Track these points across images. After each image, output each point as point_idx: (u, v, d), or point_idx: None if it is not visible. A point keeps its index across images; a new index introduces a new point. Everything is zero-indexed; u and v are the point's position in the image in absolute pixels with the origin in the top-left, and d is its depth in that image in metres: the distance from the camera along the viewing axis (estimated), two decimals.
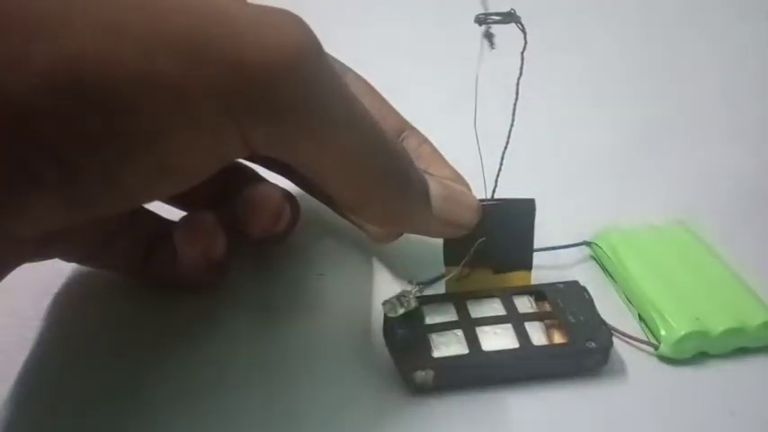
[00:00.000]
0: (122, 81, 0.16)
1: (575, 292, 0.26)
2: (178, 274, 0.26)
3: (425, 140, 0.29)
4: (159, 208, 0.28)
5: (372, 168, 0.21)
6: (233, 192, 0.26)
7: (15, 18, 0.15)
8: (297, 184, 0.30)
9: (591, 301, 0.26)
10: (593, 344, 0.24)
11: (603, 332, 0.25)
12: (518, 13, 0.24)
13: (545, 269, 0.29)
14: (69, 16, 0.16)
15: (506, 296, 0.26)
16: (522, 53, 0.25)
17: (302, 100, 0.18)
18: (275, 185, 0.27)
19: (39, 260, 0.24)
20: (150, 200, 0.23)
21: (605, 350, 0.24)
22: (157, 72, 0.16)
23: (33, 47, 0.15)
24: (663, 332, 0.25)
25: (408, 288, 0.25)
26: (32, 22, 0.15)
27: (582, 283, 0.27)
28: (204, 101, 0.17)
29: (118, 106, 0.16)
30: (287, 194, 0.27)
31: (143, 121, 0.16)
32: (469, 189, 0.27)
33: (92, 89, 0.16)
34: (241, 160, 0.29)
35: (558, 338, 0.25)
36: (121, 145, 0.17)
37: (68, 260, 0.27)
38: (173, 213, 0.28)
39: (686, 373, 0.25)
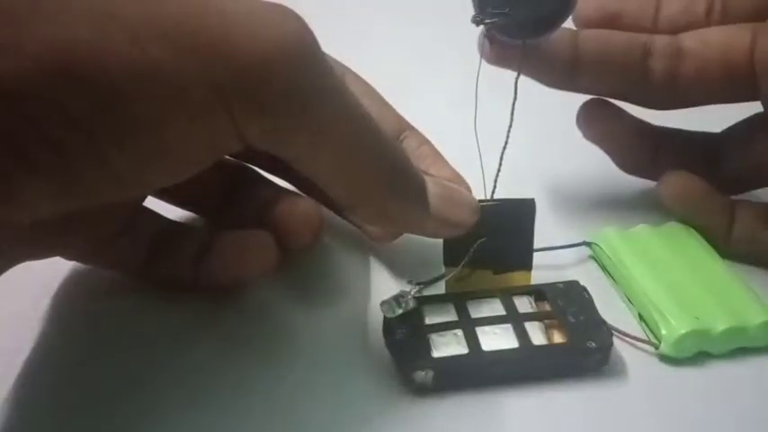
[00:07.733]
0: (115, 68, 0.16)
1: (575, 292, 0.26)
2: (209, 281, 0.27)
3: (425, 141, 0.29)
4: (161, 207, 0.28)
5: (369, 166, 0.21)
6: (242, 195, 0.26)
7: (10, 3, 0.15)
8: (294, 184, 0.30)
9: (591, 300, 0.26)
10: (594, 344, 0.24)
11: (603, 332, 0.25)
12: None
13: (545, 269, 0.29)
14: (64, 3, 0.16)
15: (506, 296, 0.26)
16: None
17: (296, 92, 0.18)
18: (308, 199, 0.27)
19: (40, 258, 0.24)
20: (145, 189, 0.23)
21: (605, 350, 0.24)
22: (150, 60, 0.16)
23: (27, 32, 0.15)
24: (663, 331, 0.25)
25: (407, 288, 0.25)
26: (27, 7, 0.15)
27: (582, 283, 0.27)
28: (196, 90, 0.17)
29: (110, 92, 0.16)
30: (318, 206, 0.27)
31: (135, 108, 0.16)
32: (469, 189, 0.27)
33: (85, 75, 0.16)
34: (245, 163, 0.29)
35: (557, 338, 0.25)
36: (114, 131, 0.17)
37: (69, 259, 0.27)
38: (174, 213, 0.28)
39: (686, 372, 0.25)
